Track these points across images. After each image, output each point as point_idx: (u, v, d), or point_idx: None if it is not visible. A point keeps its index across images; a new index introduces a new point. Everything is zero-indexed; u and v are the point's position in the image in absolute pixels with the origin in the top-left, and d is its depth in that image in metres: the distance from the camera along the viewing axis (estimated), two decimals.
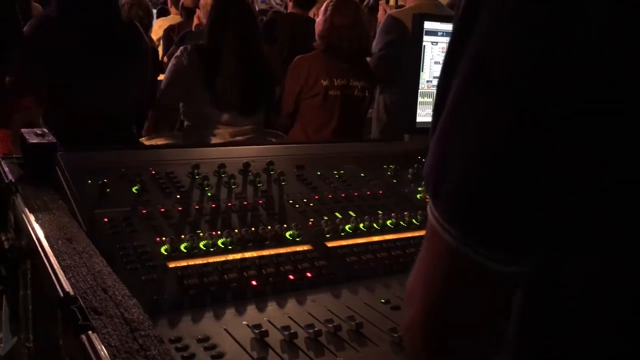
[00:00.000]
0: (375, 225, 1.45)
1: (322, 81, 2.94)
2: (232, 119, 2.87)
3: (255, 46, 2.93)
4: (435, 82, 1.95)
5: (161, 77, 3.56)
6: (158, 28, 5.99)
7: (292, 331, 1.00)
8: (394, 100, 3.46)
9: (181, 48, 2.91)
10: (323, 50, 3.11)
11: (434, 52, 1.92)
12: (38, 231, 1.14)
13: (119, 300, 0.92)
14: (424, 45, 1.90)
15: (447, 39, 1.93)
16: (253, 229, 1.31)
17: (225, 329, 1.01)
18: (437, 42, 1.92)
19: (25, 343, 1.22)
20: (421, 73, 1.92)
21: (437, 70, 1.94)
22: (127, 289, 0.96)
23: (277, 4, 12.85)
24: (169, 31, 5.32)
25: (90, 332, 0.81)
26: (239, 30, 2.86)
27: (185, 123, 2.99)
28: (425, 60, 1.91)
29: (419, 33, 1.89)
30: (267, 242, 1.30)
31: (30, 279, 1.19)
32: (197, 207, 1.38)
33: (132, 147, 1.64)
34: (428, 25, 1.89)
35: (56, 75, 2.73)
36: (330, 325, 1.02)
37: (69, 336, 0.87)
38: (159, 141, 3.38)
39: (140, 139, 3.21)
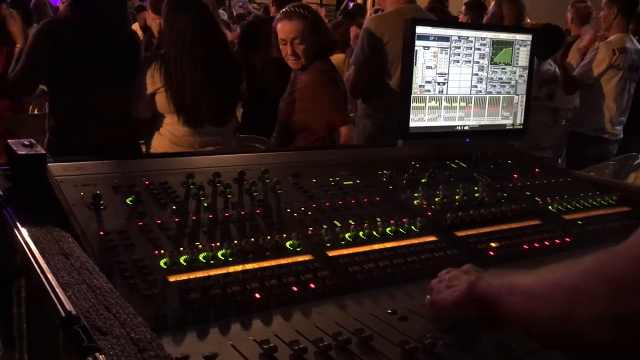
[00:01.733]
0: (374, 233, 1.43)
1: None
2: (201, 131, 2.80)
3: (221, 47, 2.86)
4: (427, 87, 1.95)
5: None
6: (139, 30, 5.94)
7: (301, 346, 0.97)
8: (377, 123, 3.39)
9: (146, 56, 2.86)
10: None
11: (426, 57, 1.91)
12: (32, 246, 1.09)
13: (123, 319, 0.88)
14: (416, 50, 1.89)
15: (438, 43, 1.93)
16: (253, 239, 1.28)
17: (232, 345, 0.98)
18: (428, 47, 1.91)
19: None
20: (413, 78, 1.91)
21: (429, 74, 1.94)
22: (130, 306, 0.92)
23: (254, 8, 12.82)
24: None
25: (97, 354, 0.78)
26: (201, 32, 2.78)
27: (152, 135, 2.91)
28: (417, 64, 1.90)
29: (410, 38, 1.87)
30: (268, 253, 1.27)
31: (25, 296, 1.14)
32: (194, 218, 1.35)
33: (123, 157, 1.60)
34: (420, 30, 1.88)
35: (56, 78, 2.70)
36: (339, 339, 1.00)
37: (73, 358, 0.83)
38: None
39: None
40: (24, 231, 1.16)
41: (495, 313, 0.94)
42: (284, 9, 3.12)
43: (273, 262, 1.25)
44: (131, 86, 2.85)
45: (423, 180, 1.77)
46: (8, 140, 1.51)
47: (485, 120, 2.10)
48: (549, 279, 0.85)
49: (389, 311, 1.14)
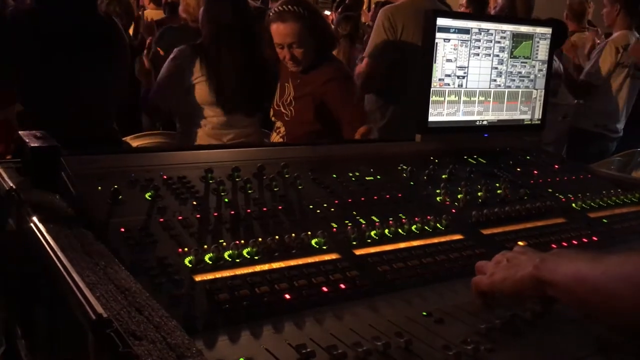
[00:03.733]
0: (400, 230, 1.39)
1: None
2: (231, 120, 2.77)
3: (256, 42, 2.83)
4: (447, 80, 1.90)
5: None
6: None
7: (339, 351, 0.93)
8: (387, 117, 3.33)
9: (176, 49, 2.80)
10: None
11: (446, 50, 1.87)
12: (52, 244, 1.04)
13: (157, 322, 0.84)
14: (436, 43, 1.84)
15: (458, 36, 1.88)
16: (277, 237, 1.24)
17: (267, 350, 0.94)
18: (449, 39, 1.87)
19: None
20: (433, 71, 1.86)
21: (449, 67, 1.89)
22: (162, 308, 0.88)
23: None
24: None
25: None
26: (238, 26, 2.76)
27: (178, 125, 2.88)
28: (437, 57, 1.85)
29: (431, 30, 1.82)
30: (294, 251, 1.23)
31: (47, 296, 1.09)
32: (215, 214, 1.30)
33: (139, 150, 1.54)
34: (441, 22, 1.83)
35: (29, 70, 2.60)
36: (378, 344, 0.95)
37: None
38: (146, 141, 3.27)
39: (124, 139, 3.09)
40: (42, 227, 1.11)
41: (562, 299, 0.99)
42: (276, 7, 2.78)
43: (300, 261, 1.20)
44: (108, 74, 2.77)
45: (444, 177, 1.73)
46: (19, 132, 1.45)
47: (504, 115, 2.06)
48: (618, 274, 0.88)
49: (424, 313, 1.10)
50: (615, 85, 4.79)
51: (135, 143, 3.14)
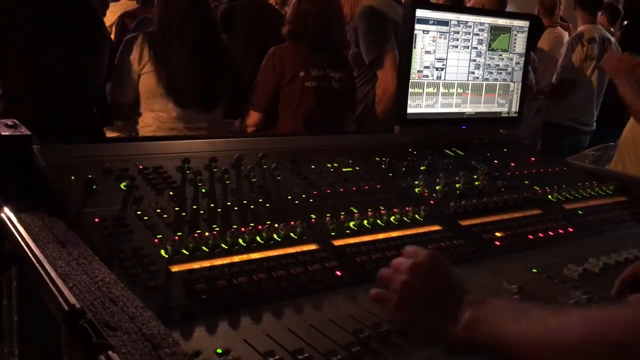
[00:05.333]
0: (379, 221, 1.38)
1: (299, 72, 2.80)
2: (185, 115, 2.69)
3: (213, 33, 2.77)
4: (426, 72, 1.90)
5: None
6: (110, 14, 5.73)
7: (318, 343, 0.92)
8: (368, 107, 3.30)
9: (126, 37, 2.72)
10: (289, 36, 2.96)
11: (425, 41, 1.86)
12: (24, 234, 1.01)
13: (132, 313, 0.82)
14: (415, 34, 1.84)
15: (437, 28, 1.88)
16: (256, 228, 1.22)
17: (245, 340, 0.92)
18: (428, 31, 1.86)
19: (10, 357, 1.09)
20: (412, 63, 1.86)
21: (428, 59, 1.89)
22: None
23: None
24: (123, 17, 5.08)
25: (110, 352, 0.71)
26: (194, 16, 2.68)
27: (135, 119, 2.80)
28: (416, 49, 1.85)
29: (410, 21, 1.82)
30: (272, 242, 1.21)
31: (16, 287, 1.06)
32: (192, 204, 1.28)
33: (114, 140, 1.51)
34: (420, 13, 1.83)
35: (11, 52, 2.54)
36: (361, 336, 0.95)
37: (79, 355, 0.76)
38: (115, 134, 3.21)
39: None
40: (12, 217, 1.08)
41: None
42: None
43: (278, 252, 1.19)
44: (90, 67, 2.72)
45: (422, 168, 1.73)
46: None
47: (482, 108, 2.07)
48: (594, 335, 0.76)
49: None
50: (585, 79, 4.86)
51: (110, 134, 3.07)
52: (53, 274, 0.88)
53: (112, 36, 5.08)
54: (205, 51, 2.65)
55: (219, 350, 0.89)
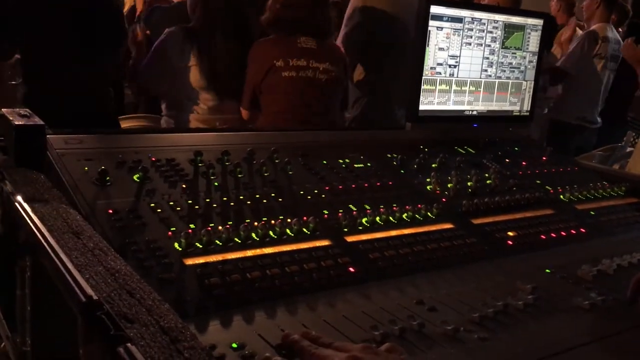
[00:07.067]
0: (391, 218, 1.38)
1: (275, 62, 2.61)
2: (222, 106, 2.70)
3: (250, 26, 2.77)
4: (439, 69, 1.89)
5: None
6: None
7: (333, 339, 0.91)
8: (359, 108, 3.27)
9: (167, 30, 2.72)
10: (268, 26, 2.72)
11: (439, 38, 1.85)
12: (39, 224, 1.01)
13: (149, 305, 0.81)
14: (429, 31, 1.83)
15: (451, 24, 1.87)
16: (269, 222, 1.22)
17: (260, 335, 0.92)
18: (442, 28, 1.85)
19: (22, 347, 1.09)
20: (425, 60, 1.85)
21: (441, 56, 1.88)
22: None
23: None
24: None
25: (128, 344, 0.70)
26: (231, 10, 2.69)
27: (166, 111, 2.81)
28: (429, 46, 1.84)
29: (424, 17, 1.81)
30: (285, 237, 1.21)
31: (30, 277, 1.06)
32: (206, 197, 1.28)
33: (126, 132, 1.51)
34: (434, 9, 1.81)
35: (36, 45, 2.56)
36: (376, 333, 0.94)
37: (96, 347, 0.76)
38: (130, 123, 3.22)
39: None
40: (27, 207, 1.08)
41: None
42: None
43: (291, 247, 1.19)
44: (112, 53, 2.74)
45: (434, 165, 1.72)
46: (3, 110, 1.41)
47: (494, 106, 2.05)
48: None
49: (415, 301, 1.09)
50: (594, 76, 4.85)
51: (124, 125, 3.08)
52: (69, 265, 0.88)
53: None
54: (244, 42, 2.67)
55: (235, 345, 0.88)
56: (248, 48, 2.67)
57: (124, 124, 3.07)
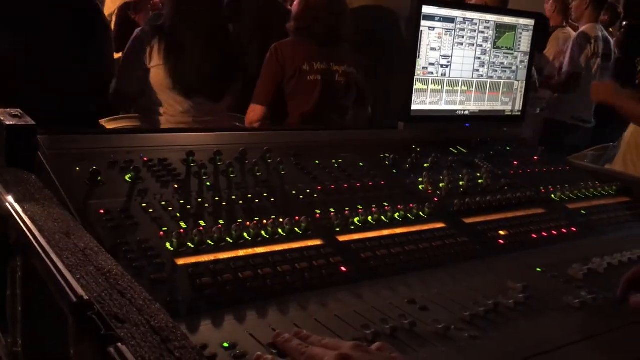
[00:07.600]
0: (383, 218, 1.38)
1: (301, 66, 2.77)
2: (193, 106, 2.68)
3: (223, 26, 2.76)
4: (431, 69, 1.89)
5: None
6: (110, 2, 5.68)
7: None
8: None
9: (137, 30, 2.71)
10: (295, 32, 2.93)
11: (431, 38, 1.86)
12: (29, 224, 1.01)
13: (140, 305, 0.81)
14: (421, 31, 1.83)
15: (443, 24, 1.87)
16: (261, 222, 1.22)
17: (251, 335, 0.92)
18: (434, 28, 1.86)
19: (13, 347, 1.09)
20: (417, 59, 1.85)
21: (433, 56, 1.88)
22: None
23: None
24: (124, 10, 5.04)
25: (119, 344, 0.70)
26: (205, 8, 2.67)
27: (137, 114, 2.79)
28: (421, 46, 1.84)
29: (416, 17, 1.81)
30: (277, 237, 1.21)
31: (21, 277, 1.06)
32: (197, 197, 1.28)
33: (118, 132, 1.51)
34: (426, 9, 1.82)
35: (5, 46, 2.52)
36: (367, 332, 0.95)
37: (87, 347, 0.76)
38: (121, 124, 3.20)
39: (99, 121, 3.00)
40: (18, 207, 1.07)
41: None
42: None
43: (283, 247, 1.19)
44: (88, 52, 2.71)
45: (426, 165, 1.73)
46: None
47: (485, 106, 2.06)
48: None
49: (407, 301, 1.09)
50: (589, 75, 4.87)
51: (110, 126, 3.06)
52: (60, 265, 0.88)
53: (112, 26, 5.06)
54: (216, 42, 2.65)
55: (226, 344, 0.89)
56: (223, 45, 2.66)
57: (116, 124, 3.05)
